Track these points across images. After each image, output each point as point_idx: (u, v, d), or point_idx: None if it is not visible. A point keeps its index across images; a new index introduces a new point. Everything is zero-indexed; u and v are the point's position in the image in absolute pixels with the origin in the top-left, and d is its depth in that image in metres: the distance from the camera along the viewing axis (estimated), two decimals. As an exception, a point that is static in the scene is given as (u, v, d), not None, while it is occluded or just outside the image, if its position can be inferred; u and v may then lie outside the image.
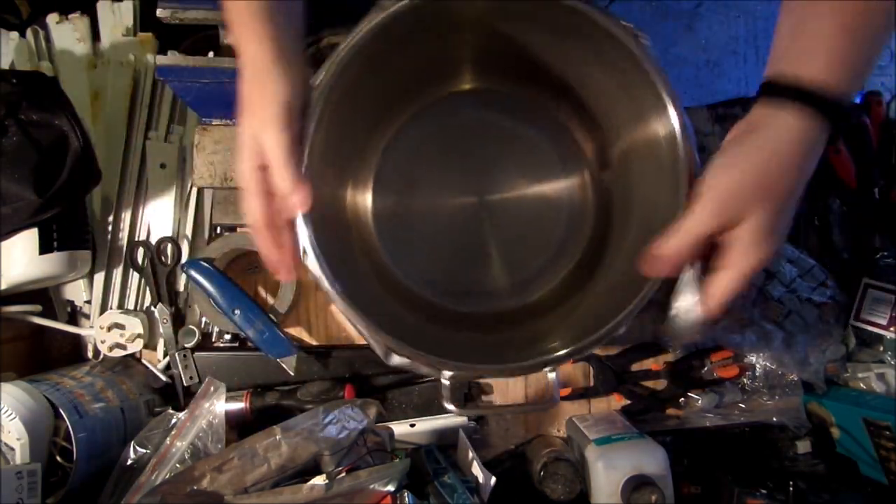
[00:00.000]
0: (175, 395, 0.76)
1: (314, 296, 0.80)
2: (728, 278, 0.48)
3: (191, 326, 0.76)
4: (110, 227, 0.77)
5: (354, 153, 0.67)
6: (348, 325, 0.80)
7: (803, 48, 0.48)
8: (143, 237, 0.78)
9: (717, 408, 0.79)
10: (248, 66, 0.51)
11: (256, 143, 0.50)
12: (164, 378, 0.76)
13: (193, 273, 0.71)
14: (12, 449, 0.60)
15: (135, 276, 0.78)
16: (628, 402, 0.80)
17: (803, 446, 0.78)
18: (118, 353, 0.75)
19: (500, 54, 0.63)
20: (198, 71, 0.68)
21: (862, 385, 0.77)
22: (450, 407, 0.53)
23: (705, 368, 0.79)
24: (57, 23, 0.79)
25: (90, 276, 0.77)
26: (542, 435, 0.80)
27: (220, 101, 0.69)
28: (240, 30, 0.51)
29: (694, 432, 0.79)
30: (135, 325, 0.75)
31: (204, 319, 0.77)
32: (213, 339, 0.79)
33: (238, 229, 0.78)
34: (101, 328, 0.74)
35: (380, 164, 0.68)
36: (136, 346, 0.75)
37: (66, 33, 0.79)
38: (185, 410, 0.67)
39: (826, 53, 0.47)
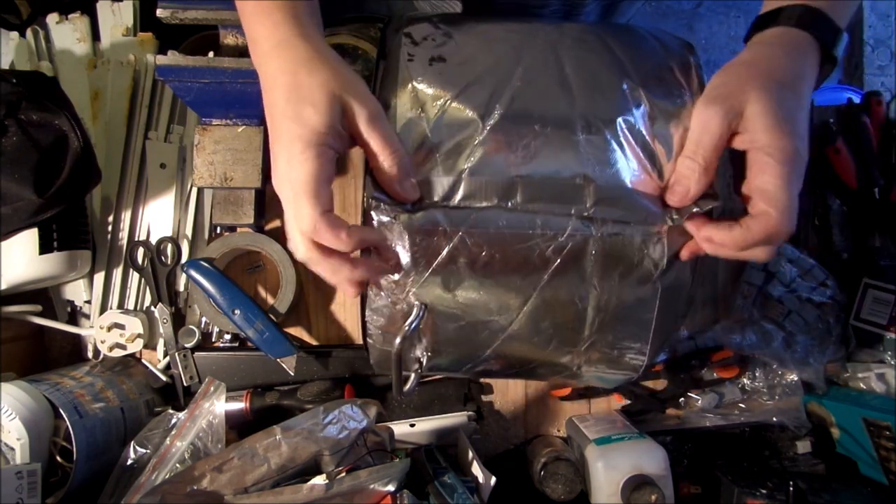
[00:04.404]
0: (175, 395, 0.76)
1: (314, 296, 0.80)
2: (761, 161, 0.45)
3: (191, 326, 0.76)
4: (110, 227, 0.77)
5: None
6: (348, 324, 0.80)
7: None
8: (143, 237, 0.78)
9: (717, 408, 0.79)
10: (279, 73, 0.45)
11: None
12: (164, 378, 0.76)
13: (193, 273, 0.71)
14: (12, 449, 0.60)
15: (135, 276, 0.78)
16: (628, 402, 0.80)
17: (803, 446, 0.78)
18: (118, 353, 0.75)
19: None
20: (198, 71, 0.68)
21: (862, 385, 0.77)
22: None
23: (705, 368, 0.79)
24: (57, 23, 0.79)
25: (90, 276, 0.77)
26: (542, 435, 0.80)
27: (220, 101, 0.69)
28: (264, 25, 0.46)
29: (694, 432, 0.79)
30: (135, 325, 0.75)
31: (204, 319, 0.77)
32: (213, 339, 0.79)
33: (238, 229, 0.78)
34: (101, 328, 0.74)
35: None
36: (136, 346, 0.75)
37: (66, 33, 0.79)
38: (185, 410, 0.67)
39: None
